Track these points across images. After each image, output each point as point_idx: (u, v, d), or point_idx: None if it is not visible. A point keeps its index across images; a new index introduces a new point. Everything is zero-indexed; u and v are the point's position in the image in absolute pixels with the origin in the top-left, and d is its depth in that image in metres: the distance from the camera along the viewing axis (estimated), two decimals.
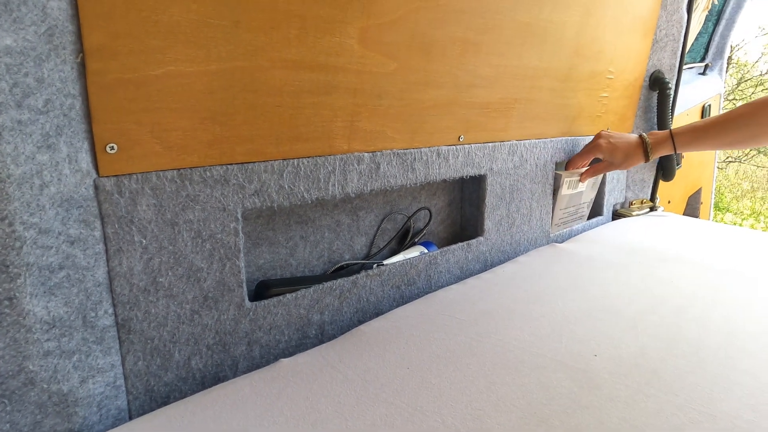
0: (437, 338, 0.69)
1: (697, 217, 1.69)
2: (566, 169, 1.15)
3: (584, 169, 1.15)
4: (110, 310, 0.52)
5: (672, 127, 1.13)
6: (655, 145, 1.05)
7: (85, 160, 0.48)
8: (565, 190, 1.16)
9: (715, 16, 1.53)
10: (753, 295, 0.84)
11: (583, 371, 0.61)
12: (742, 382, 0.58)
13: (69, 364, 0.48)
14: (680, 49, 1.23)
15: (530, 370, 0.61)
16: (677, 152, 1.06)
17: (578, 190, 1.20)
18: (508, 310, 0.78)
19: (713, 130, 0.98)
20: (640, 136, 1.07)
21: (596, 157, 1.11)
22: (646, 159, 1.07)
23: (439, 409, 0.54)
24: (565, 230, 1.20)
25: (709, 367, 0.62)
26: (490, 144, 0.93)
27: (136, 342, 0.55)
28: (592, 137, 1.17)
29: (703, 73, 1.64)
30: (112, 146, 0.50)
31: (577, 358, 0.64)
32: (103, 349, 0.51)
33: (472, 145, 0.90)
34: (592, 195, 1.27)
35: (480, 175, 0.93)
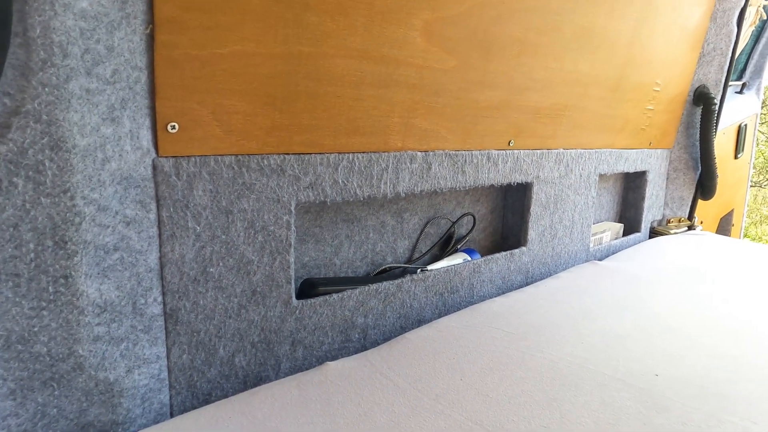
0: (487, 350, 0.66)
1: None
2: None
3: None
4: (159, 299, 0.49)
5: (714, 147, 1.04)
6: None
7: (146, 138, 0.45)
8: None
9: (756, 33, 1.50)
10: None
11: (647, 391, 0.57)
12: None
13: (117, 352, 0.45)
14: (727, 63, 1.19)
15: (591, 387, 0.57)
16: None
17: None
18: (556, 325, 0.74)
19: None
20: None
21: None
22: None
23: (501, 423, 0.50)
24: (603, 246, 1.16)
25: None
26: (538, 151, 0.90)
27: (183, 334, 0.51)
28: (634, 151, 1.14)
29: (740, 92, 1.60)
30: (173, 125, 0.47)
31: (638, 377, 0.60)
32: (150, 339, 0.48)
33: (521, 150, 0.86)
34: None
35: (527, 183, 0.90)
